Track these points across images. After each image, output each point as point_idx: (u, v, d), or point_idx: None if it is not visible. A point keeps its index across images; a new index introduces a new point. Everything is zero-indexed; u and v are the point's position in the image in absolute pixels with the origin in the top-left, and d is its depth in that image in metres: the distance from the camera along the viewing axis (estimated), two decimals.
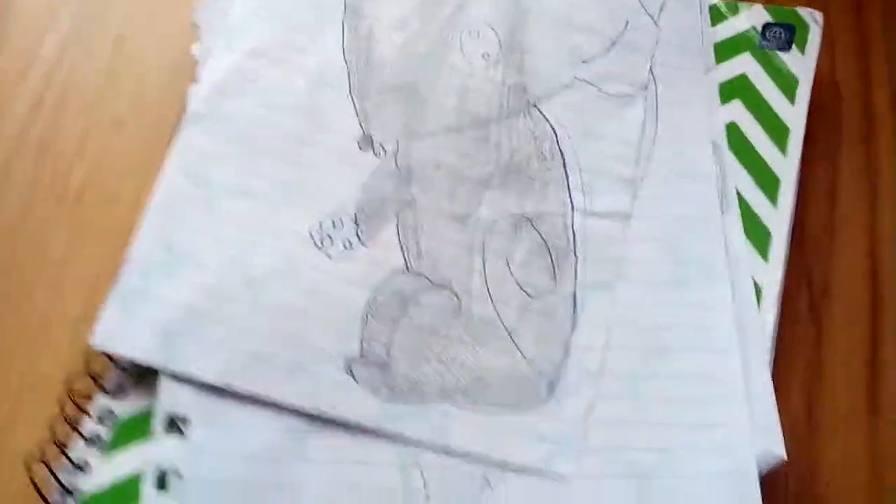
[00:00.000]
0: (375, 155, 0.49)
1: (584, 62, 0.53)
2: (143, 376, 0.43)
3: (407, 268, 0.47)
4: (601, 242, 0.49)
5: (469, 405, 0.44)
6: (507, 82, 0.52)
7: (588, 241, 0.49)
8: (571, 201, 0.50)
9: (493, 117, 0.51)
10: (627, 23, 0.54)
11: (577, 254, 0.48)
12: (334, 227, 0.47)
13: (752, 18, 0.53)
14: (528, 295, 0.47)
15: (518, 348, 0.46)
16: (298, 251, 0.46)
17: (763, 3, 0.54)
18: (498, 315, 0.46)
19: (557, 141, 0.51)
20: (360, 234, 0.47)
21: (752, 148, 0.51)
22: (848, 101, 0.54)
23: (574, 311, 0.47)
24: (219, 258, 0.45)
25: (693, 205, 0.50)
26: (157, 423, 0.41)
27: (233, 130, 0.48)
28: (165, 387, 0.42)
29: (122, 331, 0.42)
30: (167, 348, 0.42)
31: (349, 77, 0.50)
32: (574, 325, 0.46)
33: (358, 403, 0.43)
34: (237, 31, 0.50)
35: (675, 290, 0.47)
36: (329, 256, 0.46)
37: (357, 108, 0.50)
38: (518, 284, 0.47)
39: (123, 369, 0.43)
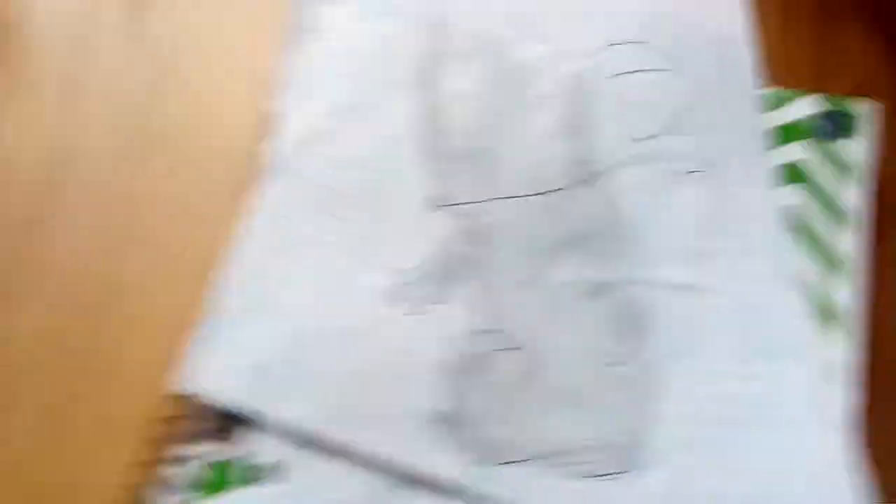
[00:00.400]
0: (447, 215, 0.49)
1: (643, 139, 0.55)
2: (228, 422, 0.41)
3: (483, 329, 0.46)
4: (674, 314, 0.49)
5: (552, 471, 0.43)
6: (572, 155, 0.53)
7: (661, 312, 0.49)
8: (643, 273, 0.50)
9: (560, 187, 0.52)
10: (686, 104, 0.56)
11: (651, 325, 0.49)
12: (409, 284, 0.46)
13: (809, 107, 0.55)
14: (606, 362, 0.47)
15: (598, 417, 0.45)
16: (375, 306, 0.45)
17: (824, 93, 0.56)
18: (576, 381, 0.46)
19: (624, 214, 0.52)
20: (435, 292, 0.47)
21: (813, 230, 0.52)
22: None
23: (651, 381, 0.47)
24: (301, 309, 0.44)
25: (762, 282, 0.51)
26: (250, 470, 0.40)
27: (311, 185, 0.48)
28: (254, 435, 0.40)
29: (212, 375, 0.41)
30: (257, 394, 0.41)
31: (421, 140, 0.51)
32: (652, 396, 0.46)
33: (442, 462, 0.42)
34: (315, 89, 0.51)
35: (747, 364, 0.48)
36: (404, 313, 0.46)
37: (428, 169, 0.50)
38: (594, 352, 0.47)
39: (210, 415, 0.41)
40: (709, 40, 0.57)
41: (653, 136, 0.55)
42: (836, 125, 0.54)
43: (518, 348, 0.46)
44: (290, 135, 0.49)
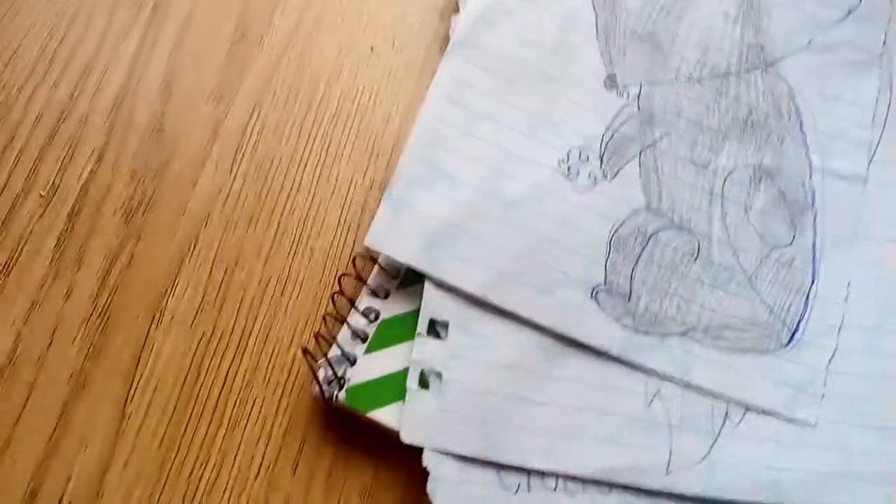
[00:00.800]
0: (619, 95, 0.50)
1: (819, 28, 0.54)
2: (404, 282, 0.45)
3: (648, 206, 0.48)
4: (839, 202, 0.50)
5: (710, 343, 0.45)
6: (746, 40, 0.53)
7: (826, 199, 0.50)
8: (809, 160, 0.51)
9: (731, 72, 0.52)
10: None
11: (816, 210, 0.49)
12: (580, 159, 0.48)
13: None
14: (768, 244, 0.48)
15: (758, 295, 0.47)
16: (547, 179, 0.47)
17: None
18: (738, 261, 0.47)
19: (794, 101, 0.52)
20: (604, 168, 0.48)
21: None
22: None
23: (813, 263, 0.48)
24: (475, 179, 0.46)
25: None
26: (420, 326, 0.43)
27: (490, 61, 0.49)
28: (429, 293, 0.44)
29: (392, 236, 0.44)
30: (431, 256, 0.44)
31: (596, 20, 0.52)
32: (814, 277, 0.47)
33: (603, 330, 0.44)
34: None
35: None
36: (575, 187, 0.47)
37: (603, 49, 0.51)
38: (758, 233, 0.48)
39: (387, 273, 0.45)
40: None
41: (827, 25, 0.54)
42: None
43: (683, 228, 0.48)
44: (473, 10, 0.50)
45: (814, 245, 0.48)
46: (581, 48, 0.51)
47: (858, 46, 0.54)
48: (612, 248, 0.47)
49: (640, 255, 0.47)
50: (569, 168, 0.48)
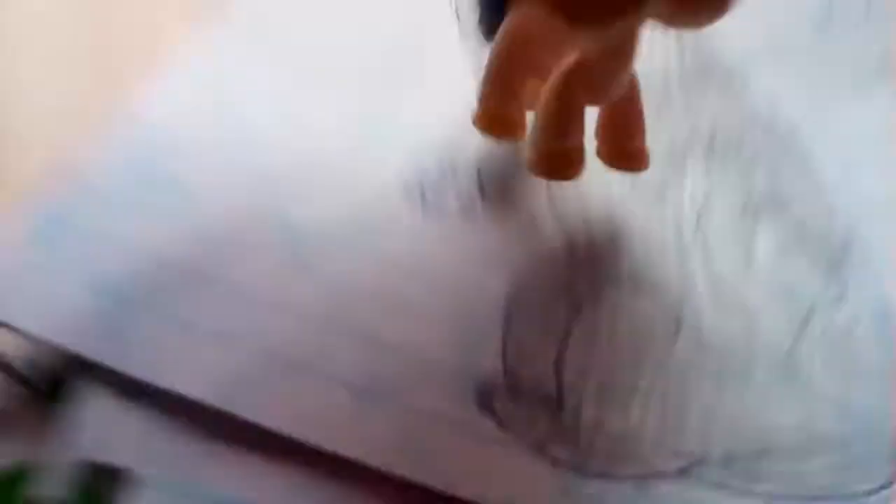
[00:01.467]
0: None
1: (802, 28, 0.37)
2: None
3: (570, 248, 0.26)
4: (877, 235, 0.29)
5: (735, 486, 0.21)
6: (685, 42, 0.34)
7: (876, 225, 0.29)
8: (826, 182, 0.30)
9: (672, 78, 0.33)
10: None
11: (864, 242, 0.28)
12: (443, 174, 0.26)
13: None
14: (802, 304, 0.26)
15: (811, 386, 0.24)
16: (380, 203, 0.25)
17: None
18: (750, 335, 0.25)
19: (782, 107, 0.33)
20: (482, 185, 0.26)
21: None
22: None
23: (886, 325, 0.26)
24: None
25: None
26: None
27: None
28: None
29: None
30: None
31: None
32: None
33: (516, 474, 0.20)
34: None
35: None
36: (433, 215, 0.25)
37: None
38: (778, 286, 0.26)
39: None
40: None
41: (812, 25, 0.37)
42: None
43: (640, 281, 0.25)
44: None
45: (879, 295, 0.27)
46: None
47: (852, 53, 0.36)
48: (512, 318, 0.23)
49: (570, 330, 0.23)
50: (422, 187, 0.26)
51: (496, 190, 0.26)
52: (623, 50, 0.22)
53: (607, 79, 0.23)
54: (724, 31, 0.35)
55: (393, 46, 0.30)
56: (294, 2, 0.32)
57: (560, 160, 0.24)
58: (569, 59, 0.23)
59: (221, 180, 0.26)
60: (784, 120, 0.32)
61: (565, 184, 0.25)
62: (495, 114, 0.24)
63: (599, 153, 0.27)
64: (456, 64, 0.29)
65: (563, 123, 0.24)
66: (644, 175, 0.28)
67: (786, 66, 0.35)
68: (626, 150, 0.26)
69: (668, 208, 0.28)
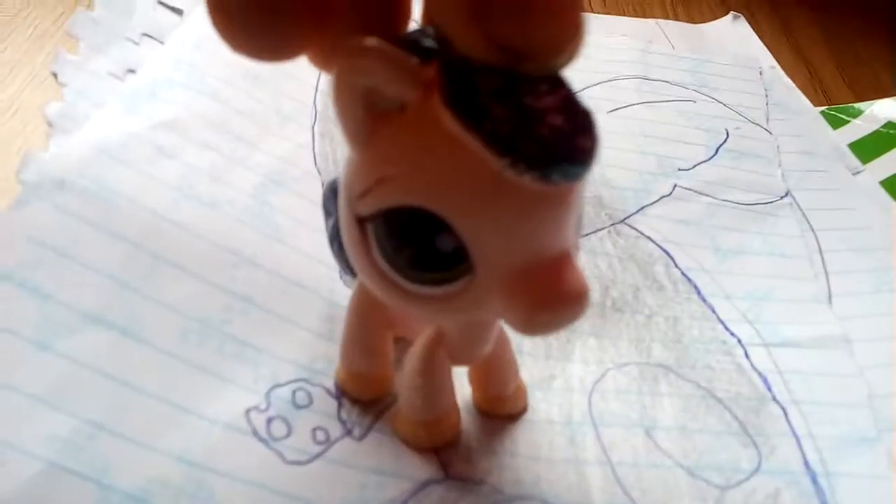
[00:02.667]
0: None
1: (681, 170, 0.35)
2: None
3: (445, 471, 0.23)
4: (821, 381, 0.26)
5: None
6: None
7: (795, 381, 0.26)
8: (734, 335, 0.28)
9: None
10: (727, 131, 0.37)
11: (781, 401, 0.25)
12: (296, 403, 0.23)
13: (882, 114, 0.40)
14: (725, 479, 0.23)
15: None
16: (220, 440, 0.22)
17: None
18: None
19: (675, 263, 0.30)
20: (343, 416, 0.24)
21: None
22: None
23: (825, 497, 0.23)
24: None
25: None
26: None
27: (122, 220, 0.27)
28: None
29: None
30: None
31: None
32: None
33: None
34: (145, 97, 0.31)
35: None
36: (283, 457, 0.22)
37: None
38: (688, 471, 0.23)
39: None
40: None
41: (689, 166, 0.35)
42: None
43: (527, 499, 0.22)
44: (92, 142, 0.29)
45: (806, 462, 0.24)
46: (301, 224, 0.29)
47: (753, 187, 0.35)
48: None
49: None
50: (269, 422, 0.23)
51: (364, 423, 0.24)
52: (481, 323, 0.20)
53: (468, 346, 0.21)
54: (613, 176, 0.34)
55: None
56: None
57: (434, 429, 0.23)
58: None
59: None
60: (675, 272, 0.30)
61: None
62: (350, 372, 0.24)
63: (474, 400, 0.25)
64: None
65: (431, 392, 0.22)
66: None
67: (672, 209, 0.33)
68: (500, 398, 0.24)
69: (554, 391, 0.25)
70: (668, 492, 0.23)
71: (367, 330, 0.23)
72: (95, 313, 0.23)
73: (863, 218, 0.34)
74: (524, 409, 0.25)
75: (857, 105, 0.41)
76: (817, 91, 0.44)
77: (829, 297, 0.30)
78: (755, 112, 0.39)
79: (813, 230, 0.33)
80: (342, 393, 0.24)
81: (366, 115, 0.15)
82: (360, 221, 0.17)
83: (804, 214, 0.34)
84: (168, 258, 0.25)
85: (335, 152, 0.32)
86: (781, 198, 0.34)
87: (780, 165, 0.36)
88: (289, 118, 0.33)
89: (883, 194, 0.35)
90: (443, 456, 0.23)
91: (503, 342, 0.23)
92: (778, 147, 0.37)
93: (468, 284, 0.16)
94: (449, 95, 0.14)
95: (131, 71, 0.32)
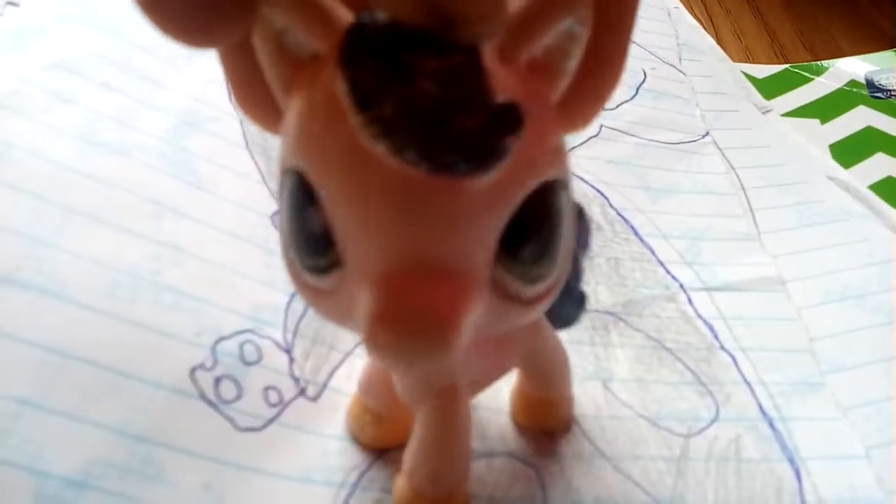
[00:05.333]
0: None
1: (606, 110, 0.34)
2: None
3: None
4: (763, 326, 0.26)
5: None
6: None
7: (739, 328, 0.26)
8: (676, 279, 0.28)
9: None
10: (644, 71, 0.37)
11: (729, 349, 0.25)
12: (244, 358, 0.21)
13: (846, 73, 0.41)
14: (678, 434, 0.23)
15: None
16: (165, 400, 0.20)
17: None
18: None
19: (609, 203, 0.30)
20: (295, 372, 0.22)
21: None
22: None
23: (783, 440, 0.23)
24: None
25: (871, 248, 0.30)
26: None
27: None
28: None
29: None
30: None
31: (242, 128, 0.28)
32: (793, 460, 0.22)
33: None
34: (32, 34, 0.27)
35: None
36: (235, 423, 0.20)
37: (263, 171, 0.27)
38: (650, 421, 0.23)
39: None
40: None
41: (613, 105, 0.35)
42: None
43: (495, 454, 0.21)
44: None
45: (762, 411, 0.24)
46: (223, 169, 0.26)
47: (675, 127, 0.35)
48: None
49: None
50: (217, 382, 0.21)
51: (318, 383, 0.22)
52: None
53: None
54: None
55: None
56: None
57: None
58: None
59: None
60: (611, 212, 0.30)
61: None
62: (367, 409, 0.21)
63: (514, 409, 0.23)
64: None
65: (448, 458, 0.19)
66: None
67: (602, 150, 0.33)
68: (544, 402, 0.22)
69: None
70: (634, 441, 0.23)
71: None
72: (5, 274, 0.20)
73: (777, 155, 0.35)
74: (567, 425, 0.23)
75: (820, 63, 0.42)
76: (777, 55, 0.44)
77: (759, 234, 0.30)
78: (667, 52, 0.39)
79: (734, 168, 0.33)
80: (354, 439, 0.21)
81: (279, 59, 0.13)
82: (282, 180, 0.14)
83: (723, 153, 0.34)
84: (80, 210, 0.22)
85: None
86: (703, 137, 0.34)
87: (697, 105, 0.36)
88: (198, 53, 0.30)
89: (792, 132, 0.36)
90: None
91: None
92: (693, 87, 0.37)
93: (340, 280, 0.13)
94: (341, 44, 0.12)
95: (11, 3, 0.28)
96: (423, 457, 0.19)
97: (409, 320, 0.12)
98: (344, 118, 0.12)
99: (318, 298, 0.14)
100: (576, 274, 0.18)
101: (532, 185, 0.13)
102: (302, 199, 0.13)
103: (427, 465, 0.19)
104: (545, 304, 0.14)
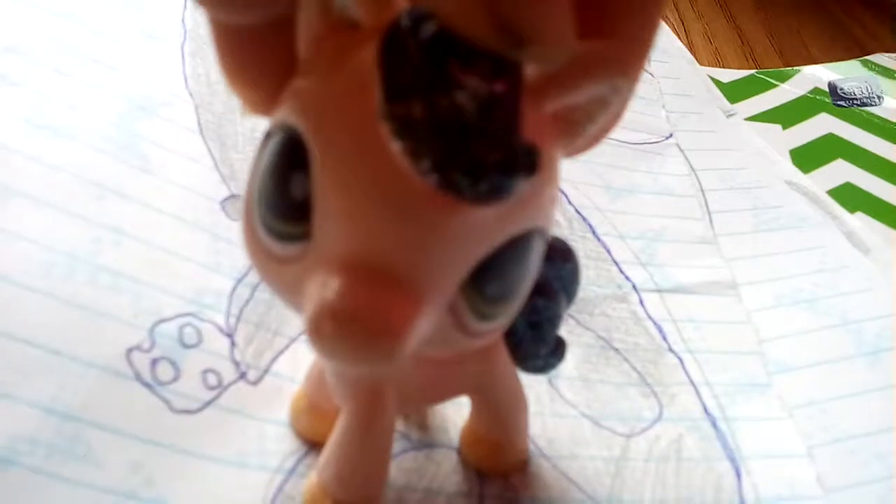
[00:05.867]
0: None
1: None
2: None
3: None
4: (712, 329, 0.26)
5: None
6: None
7: (689, 330, 0.26)
8: (629, 279, 0.28)
9: None
10: None
11: (676, 350, 0.25)
12: (183, 341, 0.21)
13: (811, 81, 0.41)
14: (619, 434, 0.23)
15: None
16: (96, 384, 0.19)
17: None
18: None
19: (569, 200, 0.30)
20: (236, 356, 0.21)
21: (875, 199, 0.35)
22: None
23: (725, 440, 0.23)
24: None
25: (825, 254, 0.30)
26: None
27: None
28: None
29: None
30: None
31: (197, 113, 0.28)
32: (733, 459, 0.22)
33: None
34: None
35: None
36: (170, 405, 0.20)
37: (216, 157, 0.26)
38: (592, 420, 0.23)
39: None
40: None
41: None
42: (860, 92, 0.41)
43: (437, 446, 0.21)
44: None
45: (705, 408, 0.24)
46: (170, 153, 0.26)
47: (640, 127, 0.35)
48: None
49: None
50: (153, 363, 0.20)
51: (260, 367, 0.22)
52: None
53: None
54: None
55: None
56: None
57: None
58: None
59: None
60: (570, 211, 0.30)
61: None
62: (311, 403, 0.20)
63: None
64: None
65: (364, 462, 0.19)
66: None
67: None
68: (497, 443, 0.21)
69: None
70: (575, 441, 0.22)
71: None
72: None
73: (739, 159, 0.35)
74: (518, 467, 0.22)
75: (785, 69, 0.42)
76: (748, 59, 0.44)
77: (715, 236, 0.30)
78: None
79: (693, 170, 0.33)
80: (295, 432, 0.21)
81: (319, 12, 0.12)
82: (267, 135, 0.13)
83: (685, 155, 0.34)
84: (21, 190, 0.22)
85: (208, 73, 0.29)
86: (667, 138, 0.35)
87: (664, 107, 0.36)
88: (154, 38, 0.29)
89: (754, 136, 0.36)
90: None
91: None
92: (660, 89, 0.37)
93: (302, 253, 0.13)
94: (390, 29, 0.11)
95: None
96: (334, 456, 0.18)
97: (360, 319, 0.12)
98: (367, 99, 0.11)
99: (270, 264, 0.13)
100: (555, 322, 0.18)
101: (521, 229, 0.13)
102: (289, 159, 0.12)
103: (336, 466, 0.18)
104: (485, 342, 0.14)
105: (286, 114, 0.13)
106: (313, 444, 0.20)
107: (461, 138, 0.11)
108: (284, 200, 0.13)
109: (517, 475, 0.21)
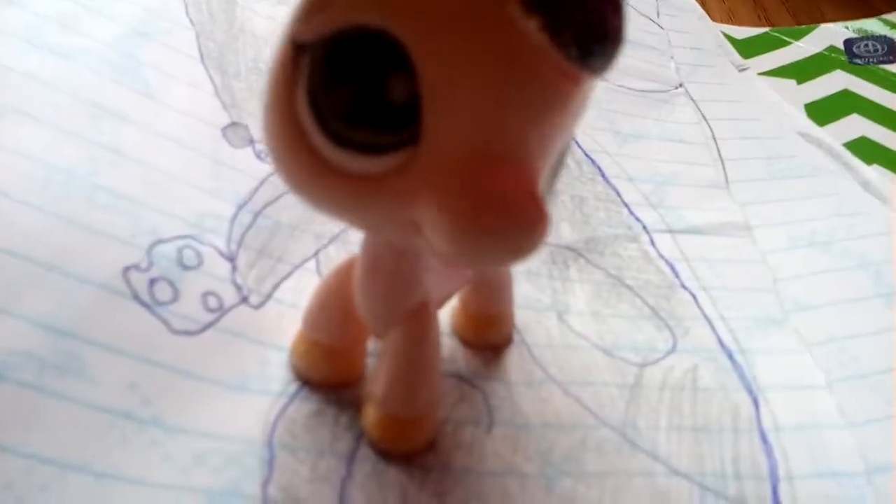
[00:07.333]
0: (258, 157, 0.24)
1: None
2: None
3: None
4: (726, 267, 0.26)
5: None
6: None
7: (702, 268, 0.25)
8: (639, 220, 0.27)
9: None
10: None
11: (690, 287, 0.25)
12: (183, 262, 0.20)
13: (826, 38, 0.40)
14: (633, 364, 0.22)
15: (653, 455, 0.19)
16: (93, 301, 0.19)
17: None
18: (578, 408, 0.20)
19: (577, 143, 0.29)
20: (238, 280, 0.21)
21: (892, 152, 0.34)
22: None
23: (742, 371, 0.22)
24: None
25: (842, 200, 0.30)
26: None
27: None
28: None
29: None
30: None
31: (198, 41, 0.27)
32: (751, 389, 0.22)
33: None
34: None
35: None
36: (169, 325, 0.19)
37: (217, 84, 0.26)
38: (605, 351, 0.22)
39: None
40: None
41: None
42: (874, 51, 0.40)
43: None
44: None
45: (720, 341, 0.23)
46: (174, 80, 0.25)
47: (649, 76, 0.34)
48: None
49: None
50: (151, 283, 0.20)
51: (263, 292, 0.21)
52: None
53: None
54: None
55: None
56: None
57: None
58: None
59: None
60: (579, 154, 0.29)
61: None
62: (311, 342, 0.19)
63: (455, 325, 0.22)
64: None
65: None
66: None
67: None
68: (485, 318, 0.22)
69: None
70: (587, 368, 0.22)
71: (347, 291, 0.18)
72: None
73: (751, 110, 0.34)
74: (509, 339, 0.22)
75: (801, 27, 0.41)
76: (761, 18, 0.43)
77: (727, 182, 0.30)
78: (644, 5, 0.39)
79: (706, 119, 0.33)
80: (297, 376, 0.20)
81: None
82: (297, 52, 0.12)
83: (696, 105, 0.33)
84: (17, 107, 0.21)
85: (209, 1, 0.28)
86: (676, 88, 0.34)
87: (672, 58, 0.36)
88: None
89: (768, 89, 0.36)
90: None
91: None
92: (669, 41, 0.37)
93: (407, 161, 0.12)
94: None
95: None
96: (398, 380, 0.18)
97: (520, 207, 0.11)
98: None
99: (338, 182, 0.12)
100: None
101: None
102: (380, 61, 0.11)
103: (402, 388, 0.18)
104: None
105: (337, 17, 0.11)
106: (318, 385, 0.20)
107: (601, 13, 0.11)
108: (379, 107, 0.11)
109: (529, 403, 0.20)
